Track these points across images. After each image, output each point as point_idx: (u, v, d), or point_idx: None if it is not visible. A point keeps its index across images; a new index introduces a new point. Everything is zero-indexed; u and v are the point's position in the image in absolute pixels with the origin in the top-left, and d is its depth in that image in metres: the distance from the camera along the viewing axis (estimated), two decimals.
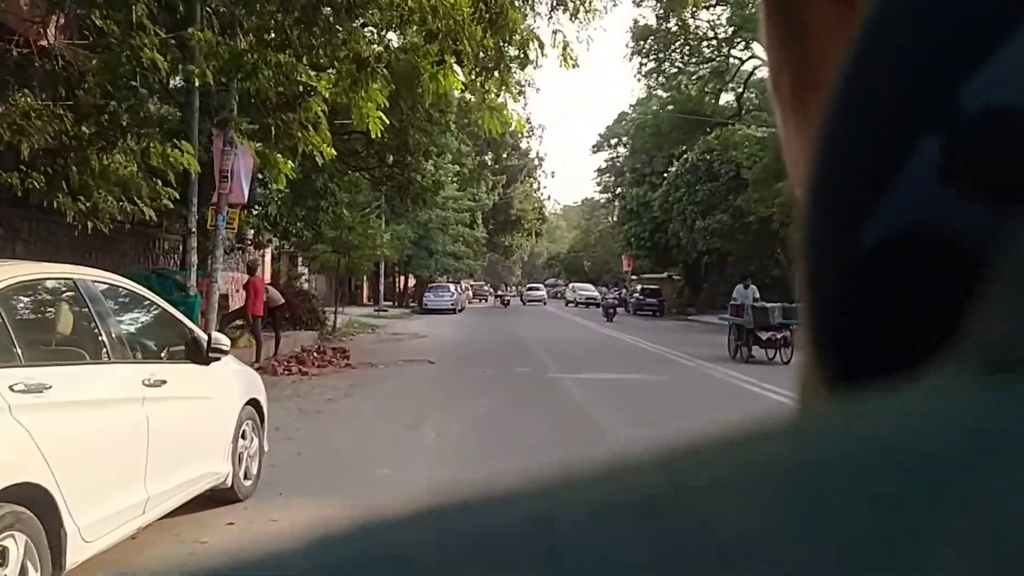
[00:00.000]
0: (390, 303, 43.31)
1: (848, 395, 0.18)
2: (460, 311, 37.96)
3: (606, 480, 0.14)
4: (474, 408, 9.09)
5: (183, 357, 4.54)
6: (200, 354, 4.56)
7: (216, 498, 4.79)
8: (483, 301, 59.30)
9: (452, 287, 38.53)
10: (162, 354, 4.51)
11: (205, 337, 4.61)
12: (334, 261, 21.06)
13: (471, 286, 58.72)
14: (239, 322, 13.64)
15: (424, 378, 12.05)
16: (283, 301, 14.35)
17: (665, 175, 39.54)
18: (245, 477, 5.16)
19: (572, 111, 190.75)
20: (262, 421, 5.52)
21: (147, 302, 4.51)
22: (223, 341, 4.67)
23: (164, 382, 4.10)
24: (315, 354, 14.61)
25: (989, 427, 0.13)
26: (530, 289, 58.32)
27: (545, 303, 52.53)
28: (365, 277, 43.33)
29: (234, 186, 11.11)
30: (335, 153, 8.76)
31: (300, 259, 25.92)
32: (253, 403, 5.37)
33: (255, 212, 12.57)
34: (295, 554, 0.13)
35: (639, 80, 25.60)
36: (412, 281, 48.04)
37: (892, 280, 0.16)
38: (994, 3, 0.15)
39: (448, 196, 40.15)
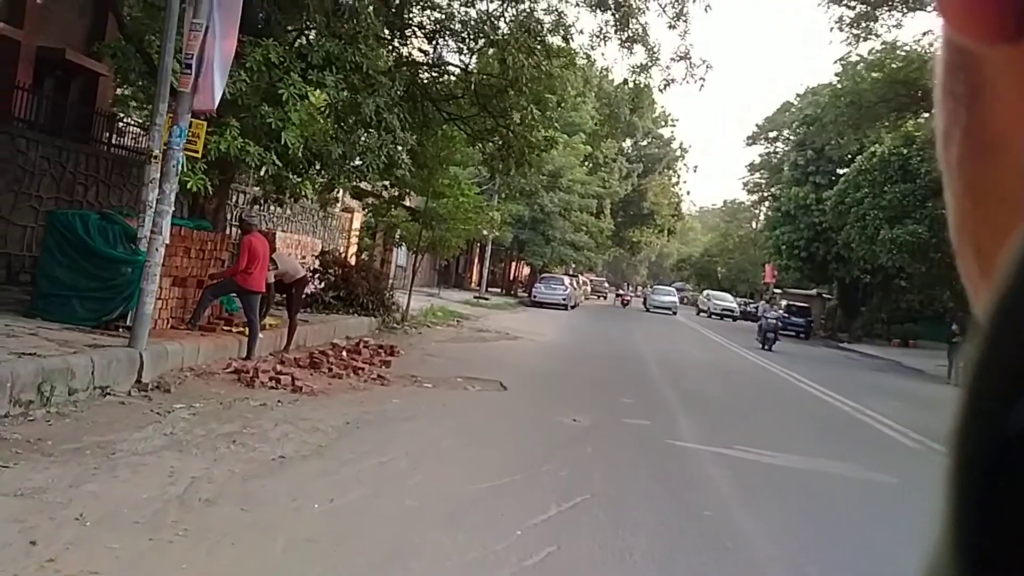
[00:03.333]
0: (498, 290, 39.20)
1: None
2: (572, 308, 33.28)
3: None
4: (529, 540, 4.42)
5: None
6: None
7: None
8: (601, 298, 54.28)
9: (566, 280, 33.85)
10: None
11: None
12: (415, 232, 16.83)
13: (590, 281, 53.82)
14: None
15: (476, 423, 7.49)
16: (303, 275, 10.13)
17: (836, 175, 33.20)
18: None
19: (720, 110, 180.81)
20: None
21: None
22: None
23: None
24: (343, 354, 10.35)
25: None
26: (657, 291, 45.15)
27: (675, 312, 41.44)
28: (475, 258, 39.46)
29: (202, 83, 6.89)
30: None
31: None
32: None
33: (231, 129, 8.27)
34: None
35: (841, 30, 19.89)
36: (527, 269, 43.76)
37: None
38: None
39: (574, 180, 35.55)
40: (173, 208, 7.20)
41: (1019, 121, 0.21)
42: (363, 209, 18.42)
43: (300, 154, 8.84)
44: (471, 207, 16.89)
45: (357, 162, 9.60)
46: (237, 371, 8.19)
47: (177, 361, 7.81)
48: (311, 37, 9.13)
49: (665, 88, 12.33)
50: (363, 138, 9.35)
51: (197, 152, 7.14)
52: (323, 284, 14.47)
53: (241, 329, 9.27)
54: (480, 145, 14.96)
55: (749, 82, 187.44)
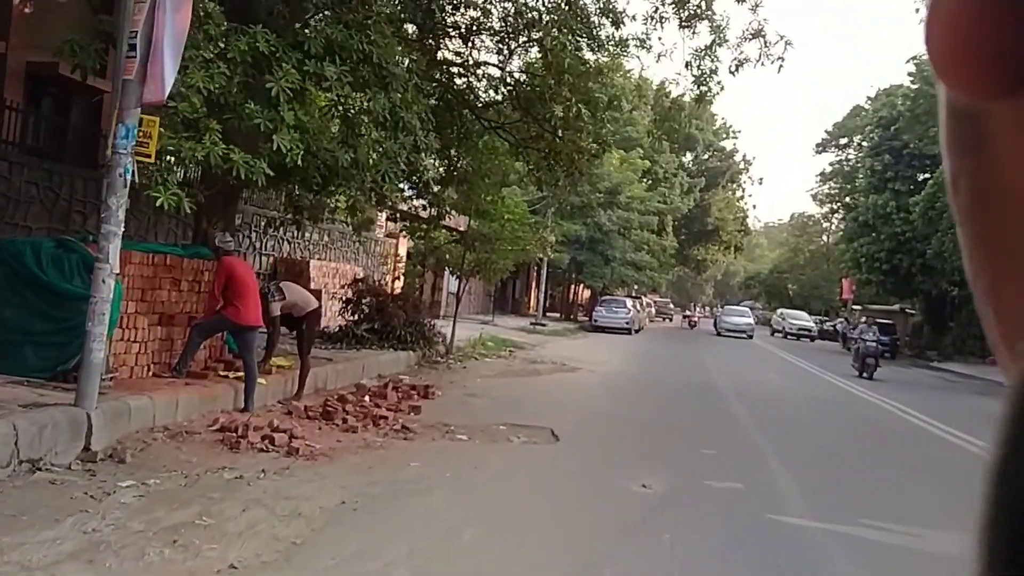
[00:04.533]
0: (557, 315, 37.41)
1: None
2: (636, 332, 31.27)
3: None
4: None
5: None
6: None
7: None
8: (667, 320, 51.93)
9: (629, 302, 31.88)
10: None
11: None
12: (458, 255, 15.30)
13: (654, 302, 51.55)
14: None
15: (514, 496, 5.77)
16: (315, 307, 8.60)
17: (917, 180, 30.59)
18: None
19: (784, 119, 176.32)
20: None
21: None
22: None
23: None
24: (365, 400, 8.77)
25: None
26: (729, 312, 39.27)
27: (751, 335, 35.50)
28: (532, 282, 37.76)
29: (151, 69, 5.44)
30: None
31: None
32: None
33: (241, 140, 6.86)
34: None
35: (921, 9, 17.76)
36: (588, 292, 41.87)
37: None
38: None
39: (633, 196, 33.71)
40: (123, 229, 5.74)
41: None
42: (400, 231, 17.02)
43: (300, 162, 7.33)
44: (518, 225, 15.30)
45: (372, 173, 8.03)
46: (223, 429, 6.67)
47: (145, 419, 6.32)
48: (311, 24, 7.65)
49: (737, 70, 10.57)
50: (377, 142, 7.82)
51: (149, 156, 5.68)
52: (356, 316, 13.00)
53: (240, 374, 7.77)
54: (524, 155, 13.35)
55: (810, 91, 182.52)
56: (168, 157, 6.68)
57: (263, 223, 12.76)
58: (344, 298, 13.37)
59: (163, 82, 5.35)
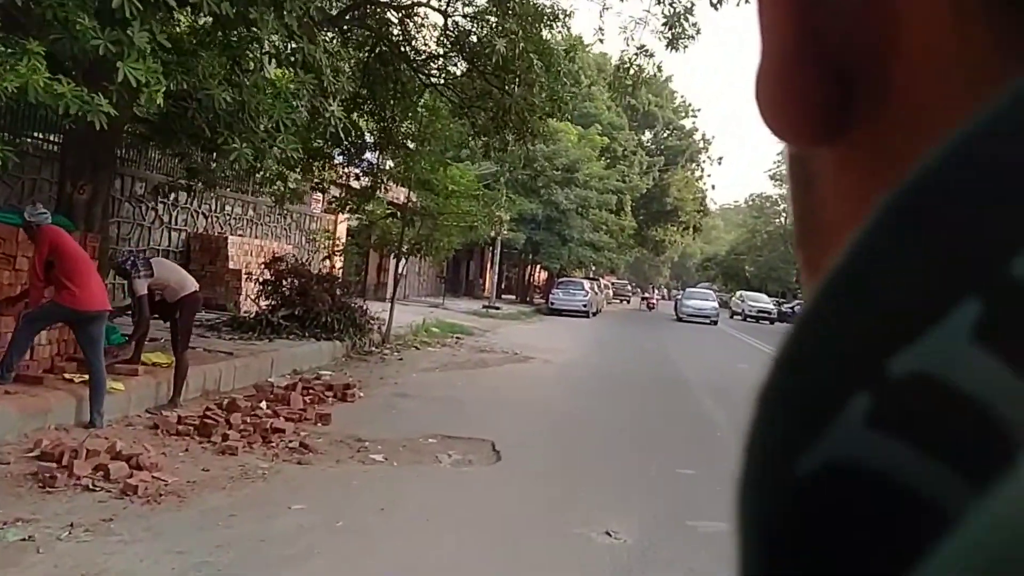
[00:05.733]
0: (512, 298, 35.82)
1: None
2: (595, 315, 29.87)
3: None
4: None
5: None
6: None
7: None
8: (625, 303, 50.75)
9: (586, 284, 30.42)
10: None
11: None
12: (395, 232, 13.57)
13: (612, 284, 50.29)
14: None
15: (427, 556, 4.15)
16: (192, 291, 6.84)
17: None
18: None
19: (741, 99, 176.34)
20: None
21: None
22: None
23: None
24: (262, 405, 7.07)
25: None
26: (691, 295, 35.96)
27: (715, 321, 32.76)
28: (487, 263, 36.08)
29: None
30: None
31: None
32: None
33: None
34: None
35: None
36: (545, 274, 40.33)
37: (824, 506, 0.17)
38: (934, 282, 0.17)
39: (591, 174, 32.19)
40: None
41: (841, 218, 0.23)
42: (332, 204, 15.22)
43: (162, 103, 5.57)
44: (464, 198, 13.62)
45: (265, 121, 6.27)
46: (44, 456, 4.93)
47: None
48: None
49: (720, 2, 9.00)
50: (268, 80, 6.08)
51: None
52: (272, 301, 11.22)
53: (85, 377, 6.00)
54: (470, 115, 11.67)
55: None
56: None
57: (153, 189, 10.83)
58: (261, 279, 11.60)
59: None
